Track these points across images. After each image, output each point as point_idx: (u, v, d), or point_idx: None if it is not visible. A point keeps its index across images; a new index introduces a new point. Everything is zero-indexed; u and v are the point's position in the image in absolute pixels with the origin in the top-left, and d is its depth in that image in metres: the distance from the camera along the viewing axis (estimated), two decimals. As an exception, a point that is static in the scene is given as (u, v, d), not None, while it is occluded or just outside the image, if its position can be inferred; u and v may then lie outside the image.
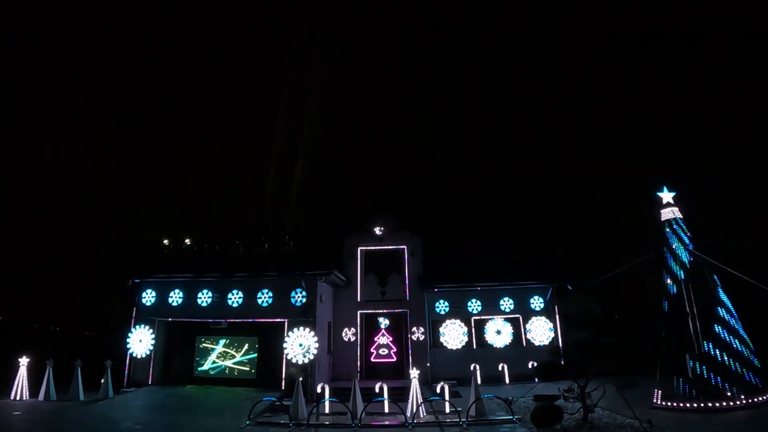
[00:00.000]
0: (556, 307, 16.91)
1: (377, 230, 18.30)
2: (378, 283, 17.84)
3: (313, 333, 14.13)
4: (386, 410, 11.08)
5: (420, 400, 10.78)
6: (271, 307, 14.90)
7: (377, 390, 11.88)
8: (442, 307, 17.31)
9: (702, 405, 9.92)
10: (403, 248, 18.24)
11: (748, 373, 10.51)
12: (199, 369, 15.19)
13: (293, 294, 14.81)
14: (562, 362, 10.74)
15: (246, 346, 15.16)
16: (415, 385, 11.03)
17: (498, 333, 16.94)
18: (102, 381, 13.25)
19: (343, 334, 17.17)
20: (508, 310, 17.14)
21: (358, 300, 17.69)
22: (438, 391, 11.74)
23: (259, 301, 14.98)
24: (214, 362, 15.20)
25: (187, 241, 16.84)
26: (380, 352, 17.29)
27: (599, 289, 13.87)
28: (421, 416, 10.64)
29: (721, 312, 11.10)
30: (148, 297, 15.41)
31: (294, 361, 13.87)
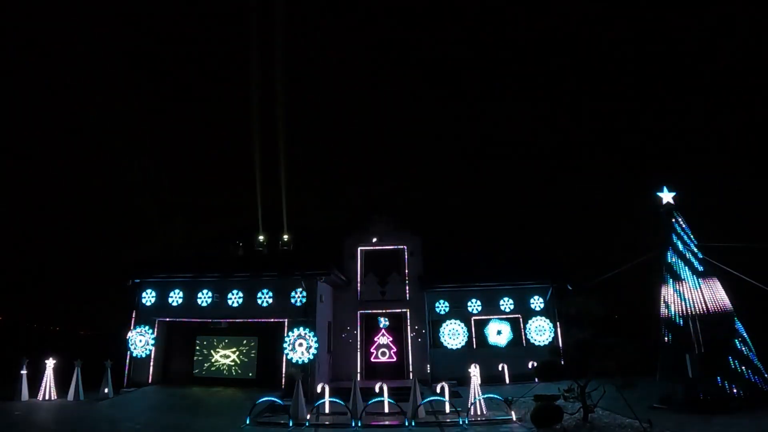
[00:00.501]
0: (556, 307, 16.91)
1: (377, 230, 18.32)
2: (378, 283, 17.84)
3: (313, 333, 14.13)
4: (386, 410, 11.08)
5: (420, 400, 10.78)
6: (271, 307, 14.90)
7: (377, 390, 11.87)
8: (442, 307, 17.31)
9: (702, 405, 9.91)
10: (403, 248, 18.23)
11: (747, 372, 10.49)
12: (199, 369, 15.18)
13: (293, 294, 14.80)
14: (562, 362, 10.74)
15: (246, 346, 15.15)
16: (415, 384, 11.03)
17: (498, 333, 16.95)
18: (102, 381, 13.25)
19: (343, 334, 17.17)
20: (508, 310, 17.14)
21: (358, 300, 17.70)
22: (438, 391, 11.74)
23: (259, 301, 14.98)
24: (214, 362, 15.19)
25: (187, 241, 16.86)
26: (380, 352, 17.29)
27: (599, 289, 13.88)
28: (421, 416, 10.63)
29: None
30: (148, 297, 15.41)
31: (294, 361, 13.87)
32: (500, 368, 15.88)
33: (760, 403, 9.98)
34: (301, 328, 14.18)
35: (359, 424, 10.12)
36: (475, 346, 16.81)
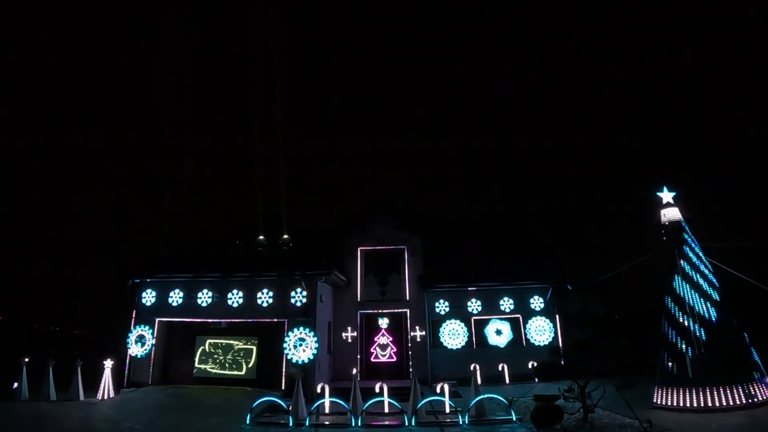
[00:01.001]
0: (556, 307, 16.91)
1: (377, 230, 18.32)
2: (378, 283, 17.84)
3: (313, 333, 14.13)
4: (386, 410, 11.07)
5: (420, 400, 10.77)
6: (271, 307, 14.90)
7: (377, 390, 11.87)
8: (442, 307, 17.31)
9: (702, 405, 9.91)
10: (403, 248, 18.23)
11: (748, 372, 10.48)
12: (199, 369, 15.18)
13: (293, 294, 14.81)
14: (562, 362, 10.73)
15: (246, 347, 15.15)
16: (415, 384, 11.03)
17: (498, 333, 16.96)
18: (102, 381, 13.25)
19: (343, 334, 17.17)
20: (508, 310, 17.14)
21: (358, 300, 17.69)
22: (438, 391, 11.74)
23: (259, 301, 14.98)
24: (213, 362, 15.19)
25: (187, 241, 16.87)
26: (380, 352, 17.29)
27: (599, 289, 13.88)
28: (421, 416, 10.63)
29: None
30: (148, 297, 15.41)
31: (294, 361, 13.87)
32: (500, 368, 15.88)
33: (760, 403, 9.99)
34: (301, 328, 14.18)
35: (359, 424, 10.13)
36: (475, 346, 16.82)
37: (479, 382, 11.65)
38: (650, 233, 12.62)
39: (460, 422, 9.95)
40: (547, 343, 16.35)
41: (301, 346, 13.98)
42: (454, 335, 16.83)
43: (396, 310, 17.58)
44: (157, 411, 11.71)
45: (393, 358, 17.20)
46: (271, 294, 14.98)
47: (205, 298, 15.19)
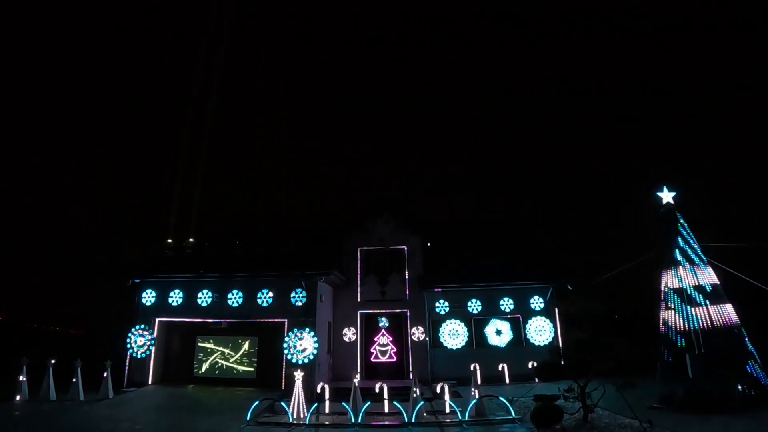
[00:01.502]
0: (556, 307, 16.91)
1: (377, 230, 18.31)
2: (378, 283, 17.83)
3: (313, 333, 14.13)
4: (386, 410, 11.07)
5: (420, 400, 10.77)
6: (271, 307, 14.90)
7: (377, 390, 11.87)
8: (442, 307, 17.31)
9: (702, 405, 9.90)
10: (403, 248, 18.23)
11: (748, 372, 10.48)
12: (199, 369, 15.18)
13: (293, 294, 14.80)
14: (562, 362, 10.73)
15: (246, 346, 15.15)
16: (415, 384, 11.03)
17: (498, 333, 16.96)
18: (102, 381, 13.24)
19: (343, 334, 17.17)
20: (508, 310, 17.13)
21: (358, 300, 17.69)
22: (438, 391, 11.73)
23: (259, 301, 14.98)
24: (214, 362, 15.19)
25: (187, 241, 16.85)
26: (380, 352, 17.29)
27: (599, 289, 13.88)
28: (421, 416, 10.63)
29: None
30: (148, 297, 15.41)
31: (294, 361, 13.87)
32: (500, 368, 15.87)
33: (761, 403, 9.98)
34: (301, 328, 14.18)
35: (359, 422, 10.13)
36: (475, 346, 16.81)
37: (479, 382, 11.65)
38: (650, 233, 12.63)
39: (460, 422, 9.95)
40: (547, 343, 16.35)
41: (301, 346, 13.98)
42: (454, 335, 16.83)
43: (396, 310, 17.57)
44: (157, 411, 11.71)
45: (393, 358, 17.19)
46: (271, 294, 14.97)
47: (205, 298, 15.19)
